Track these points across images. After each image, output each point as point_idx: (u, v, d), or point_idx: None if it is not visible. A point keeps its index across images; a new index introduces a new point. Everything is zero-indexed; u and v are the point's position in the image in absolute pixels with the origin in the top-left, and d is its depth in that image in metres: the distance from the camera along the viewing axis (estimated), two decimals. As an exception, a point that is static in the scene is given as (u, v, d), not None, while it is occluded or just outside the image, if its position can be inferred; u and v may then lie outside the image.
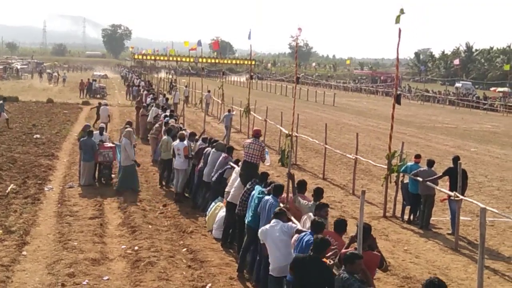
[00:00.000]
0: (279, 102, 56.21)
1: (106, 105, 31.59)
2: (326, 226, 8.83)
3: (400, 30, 14.91)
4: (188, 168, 16.91)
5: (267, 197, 10.60)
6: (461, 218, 13.96)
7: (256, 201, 10.90)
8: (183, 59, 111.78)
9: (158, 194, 17.56)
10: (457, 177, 13.53)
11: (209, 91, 44.37)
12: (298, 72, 28.45)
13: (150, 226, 13.87)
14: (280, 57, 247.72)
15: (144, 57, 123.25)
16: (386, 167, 16.33)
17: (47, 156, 22.16)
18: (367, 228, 7.85)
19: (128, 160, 17.65)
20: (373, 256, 7.80)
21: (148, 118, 26.27)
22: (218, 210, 13.72)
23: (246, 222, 11.19)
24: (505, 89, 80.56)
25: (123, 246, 12.51)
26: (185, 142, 16.87)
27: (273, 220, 9.35)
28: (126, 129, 18.68)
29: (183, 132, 17.86)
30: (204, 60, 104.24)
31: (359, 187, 18.80)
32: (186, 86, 53.90)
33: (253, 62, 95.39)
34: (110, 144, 18.99)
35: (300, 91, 62.49)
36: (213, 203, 14.25)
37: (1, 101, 30.94)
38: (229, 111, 30.45)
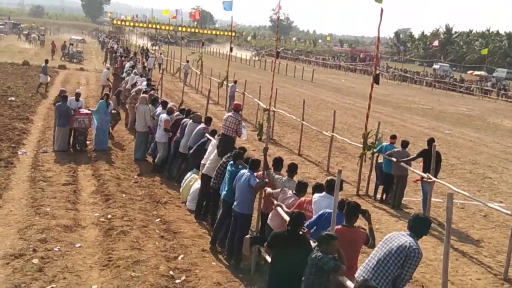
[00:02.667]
0: (257, 75, 56.06)
1: (108, 69, 31.82)
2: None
3: (382, 10, 14.85)
4: (167, 141, 16.83)
5: (243, 171, 10.61)
6: (432, 199, 14.18)
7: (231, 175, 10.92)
8: (163, 27, 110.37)
9: (133, 163, 17.46)
10: (431, 159, 13.68)
11: (187, 61, 43.99)
12: (278, 46, 28.35)
13: (124, 195, 13.82)
14: (260, 30, 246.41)
15: (123, 23, 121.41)
16: (361, 145, 16.46)
17: (21, 119, 21.79)
18: (355, 207, 7.80)
19: (145, 127, 17.77)
20: (360, 233, 7.85)
21: (127, 85, 25.97)
22: (192, 182, 13.72)
23: (221, 195, 11.21)
24: (482, 72, 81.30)
25: (96, 214, 12.46)
26: (165, 115, 16.72)
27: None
28: (141, 96, 18.76)
29: (172, 106, 17.73)
30: (184, 29, 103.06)
31: (334, 165, 18.98)
32: (161, 54, 53.38)
33: (234, 34, 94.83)
34: (86, 111, 18.80)
35: (279, 65, 62.37)
36: (188, 175, 14.24)
37: (43, 64, 31.01)
38: (235, 82, 30.25)
